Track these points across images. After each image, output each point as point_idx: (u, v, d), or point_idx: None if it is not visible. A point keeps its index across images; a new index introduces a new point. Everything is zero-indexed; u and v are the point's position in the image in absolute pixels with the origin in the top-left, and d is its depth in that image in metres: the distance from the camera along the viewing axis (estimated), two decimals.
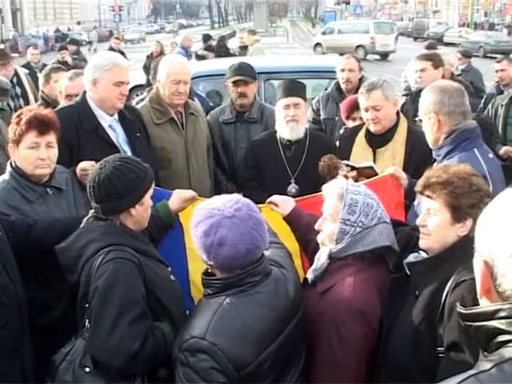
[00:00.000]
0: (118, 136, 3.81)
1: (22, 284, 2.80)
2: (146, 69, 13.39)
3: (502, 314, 1.28)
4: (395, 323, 2.42)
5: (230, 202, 2.23)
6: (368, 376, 2.48)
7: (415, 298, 2.37)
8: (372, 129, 3.94)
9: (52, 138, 3.11)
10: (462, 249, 2.30)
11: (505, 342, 1.26)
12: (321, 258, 2.61)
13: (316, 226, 2.66)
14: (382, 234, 2.52)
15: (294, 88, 3.98)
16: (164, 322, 2.54)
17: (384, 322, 2.46)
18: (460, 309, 1.41)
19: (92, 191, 2.61)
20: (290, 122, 3.95)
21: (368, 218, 2.51)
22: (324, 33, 35.43)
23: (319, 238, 2.66)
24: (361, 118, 4.41)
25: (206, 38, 14.73)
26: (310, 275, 2.65)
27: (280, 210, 3.18)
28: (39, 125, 3.04)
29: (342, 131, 4.73)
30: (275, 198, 3.25)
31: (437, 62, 5.62)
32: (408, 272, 2.44)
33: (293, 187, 3.95)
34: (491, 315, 1.30)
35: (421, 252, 2.52)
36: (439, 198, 2.38)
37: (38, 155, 3.05)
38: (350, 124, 4.52)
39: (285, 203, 3.21)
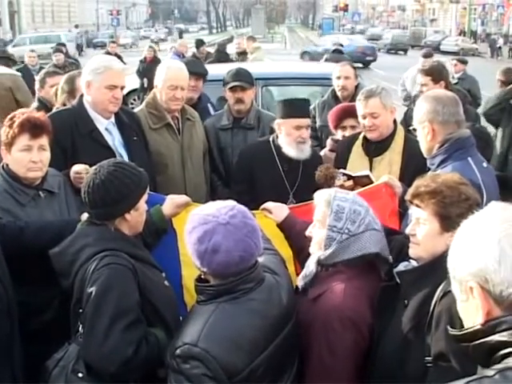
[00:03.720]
0: (114, 139, 3.81)
1: (13, 287, 2.79)
2: (140, 73, 13.39)
3: (504, 326, 1.28)
4: (385, 332, 2.42)
5: (224, 208, 2.23)
6: None
7: (404, 307, 2.37)
8: (369, 136, 3.94)
9: (44, 141, 3.11)
10: None
11: (509, 353, 1.26)
12: (310, 265, 2.62)
13: (306, 232, 2.68)
14: (369, 242, 2.52)
15: (307, 109, 3.96)
16: (158, 327, 2.54)
17: (374, 330, 2.47)
18: (453, 331, 1.40)
19: (86, 196, 2.62)
20: (301, 144, 3.90)
21: (355, 225, 2.52)
22: (15, 45, 35.50)
23: (310, 248, 2.67)
24: (351, 127, 4.43)
25: (199, 43, 14.30)
26: (300, 282, 2.66)
27: (274, 217, 3.20)
28: (32, 128, 3.04)
29: (328, 141, 4.72)
30: (269, 204, 3.26)
31: (437, 76, 5.60)
32: (398, 280, 2.45)
33: (291, 202, 3.86)
34: (491, 330, 1.29)
35: (411, 261, 2.53)
36: (428, 207, 2.38)
37: (30, 158, 3.05)
38: (339, 133, 4.52)
39: (278, 210, 3.22)
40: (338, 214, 2.53)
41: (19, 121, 3.02)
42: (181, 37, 47.65)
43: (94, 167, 2.70)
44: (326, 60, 13.27)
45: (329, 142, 4.70)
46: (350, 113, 4.47)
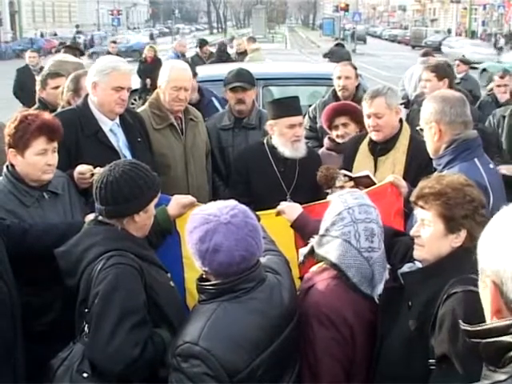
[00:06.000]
0: (118, 140, 3.81)
1: (17, 288, 2.79)
2: (140, 73, 13.38)
3: None
4: (389, 333, 2.42)
5: (226, 208, 2.23)
6: None
7: (408, 309, 2.37)
8: (373, 137, 3.94)
9: (56, 143, 3.12)
10: (456, 260, 2.32)
11: None
12: (308, 245, 2.73)
13: None
14: (333, 249, 2.52)
15: (297, 106, 3.93)
16: (163, 328, 2.54)
17: (378, 331, 2.47)
18: (465, 326, 1.38)
19: (98, 192, 2.62)
20: (295, 142, 3.89)
21: (333, 228, 2.54)
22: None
23: None
24: (343, 125, 4.45)
25: (202, 43, 14.24)
26: (300, 257, 2.78)
27: (286, 217, 3.23)
28: (49, 131, 3.05)
29: (325, 140, 4.71)
30: (282, 205, 3.29)
31: (441, 73, 5.62)
32: (402, 282, 2.45)
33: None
34: (504, 330, 1.28)
35: (416, 262, 2.52)
36: (432, 208, 2.37)
37: (45, 161, 3.06)
38: (334, 134, 4.52)
39: (291, 210, 3.25)
40: (331, 210, 2.58)
41: (37, 124, 3.02)
42: (152, 39, 48.33)
43: (109, 165, 2.70)
44: (331, 53, 14.05)
45: (326, 142, 4.70)
46: (340, 111, 4.49)
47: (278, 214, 3.29)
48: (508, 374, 1.22)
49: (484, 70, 26.97)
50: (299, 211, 3.22)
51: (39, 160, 3.04)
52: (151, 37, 53.66)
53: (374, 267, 2.50)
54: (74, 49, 8.83)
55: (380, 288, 2.51)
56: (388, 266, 2.60)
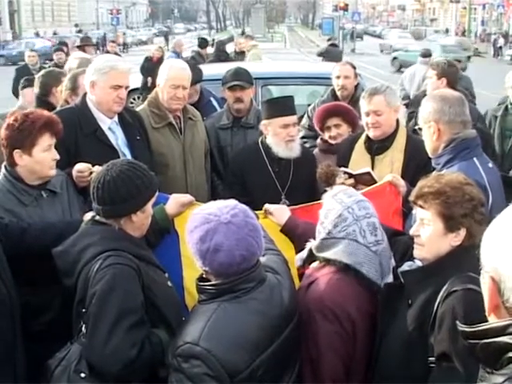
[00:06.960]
0: (117, 139, 3.82)
1: (16, 288, 2.78)
2: (143, 71, 13.35)
3: None
4: (388, 331, 2.42)
5: (226, 207, 2.22)
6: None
7: (408, 307, 2.37)
8: (371, 134, 3.92)
9: (55, 139, 3.14)
10: (455, 259, 2.32)
11: None
12: (305, 250, 2.72)
13: None
14: (342, 250, 2.52)
15: (292, 106, 3.92)
16: (161, 328, 2.54)
17: (378, 329, 2.47)
18: (462, 327, 1.37)
19: (95, 192, 2.61)
20: (289, 142, 3.88)
21: (336, 229, 2.53)
22: None
23: None
24: (335, 126, 4.43)
25: (202, 43, 14.15)
26: (297, 262, 2.79)
27: (275, 220, 3.21)
28: (52, 127, 3.08)
29: (318, 141, 4.71)
30: (269, 206, 3.26)
31: (440, 72, 5.66)
32: (402, 280, 2.44)
33: (284, 203, 3.81)
34: (501, 331, 1.27)
35: (416, 261, 2.52)
36: (431, 207, 2.37)
37: (51, 157, 3.09)
38: (326, 135, 4.51)
39: (279, 212, 3.23)
40: (328, 212, 2.57)
41: (43, 121, 3.03)
42: (167, 39, 47.51)
43: (106, 164, 2.69)
44: (327, 52, 14.24)
45: (318, 143, 4.69)
46: (332, 112, 4.47)
47: (265, 215, 3.25)
48: (505, 376, 1.21)
49: (395, 58, 31.71)
50: (288, 215, 3.21)
51: (46, 156, 3.07)
52: (166, 37, 52.68)
53: (382, 258, 2.53)
54: (84, 46, 8.78)
55: (389, 278, 2.54)
56: (392, 253, 2.61)
